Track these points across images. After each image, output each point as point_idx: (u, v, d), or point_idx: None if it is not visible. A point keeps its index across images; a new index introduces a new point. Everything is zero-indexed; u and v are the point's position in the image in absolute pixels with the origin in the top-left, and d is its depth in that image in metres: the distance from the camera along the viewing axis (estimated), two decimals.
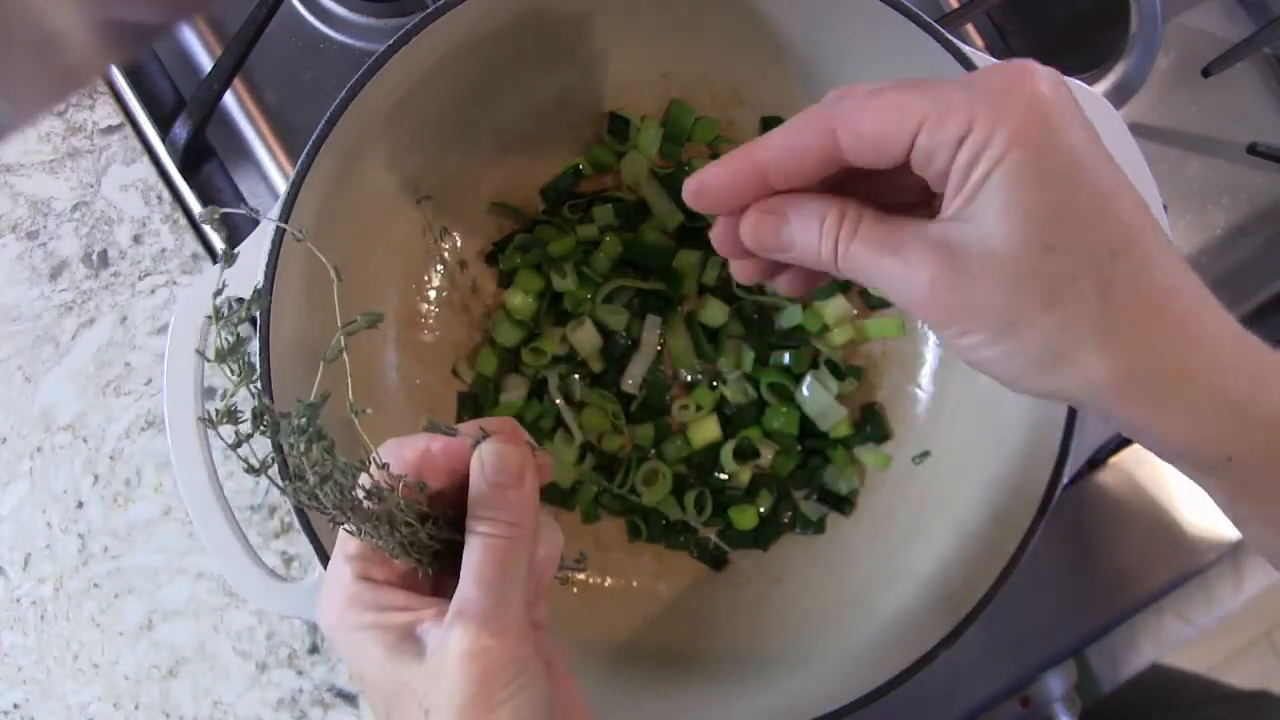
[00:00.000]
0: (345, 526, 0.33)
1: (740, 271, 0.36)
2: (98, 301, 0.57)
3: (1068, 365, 0.30)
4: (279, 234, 0.44)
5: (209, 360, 0.31)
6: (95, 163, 0.58)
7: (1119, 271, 0.29)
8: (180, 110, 0.56)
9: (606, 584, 0.55)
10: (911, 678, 0.44)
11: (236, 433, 0.31)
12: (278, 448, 0.35)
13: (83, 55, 0.22)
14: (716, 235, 0.35)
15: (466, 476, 0.35)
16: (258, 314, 0.44)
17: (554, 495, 0.55)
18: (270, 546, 0.56)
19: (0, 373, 0.56)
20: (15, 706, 0.54)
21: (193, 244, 0.57)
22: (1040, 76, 0.29)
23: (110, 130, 0.58)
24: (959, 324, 0.30)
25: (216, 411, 0.31)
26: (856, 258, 0.32)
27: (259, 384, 0.31)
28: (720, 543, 0.55)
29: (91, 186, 0.57)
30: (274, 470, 0.33)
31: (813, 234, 0.32)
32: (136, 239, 0.57)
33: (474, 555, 0.33)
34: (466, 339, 0.56)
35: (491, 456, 0.34)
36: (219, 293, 0.32)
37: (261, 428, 0.32)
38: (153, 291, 0.57)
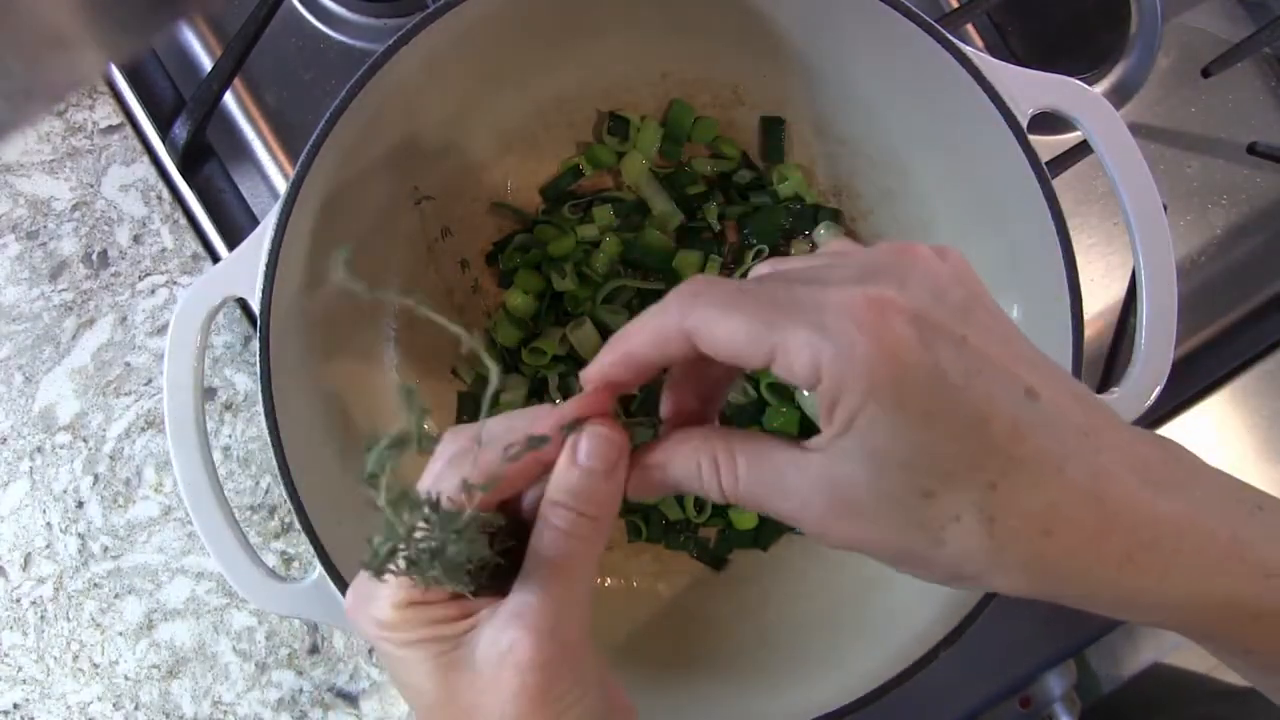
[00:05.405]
0: (434, 577, 0.30)
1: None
2: (98, 301, 0.57)
3: (973, 582, 0.30)
4: (277, 239, 0.44)
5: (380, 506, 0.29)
6: (95, 163, 0.58)
7: (999, 503, 0.28)
8: (180, 110, 0.56)
9: (606, 584, 0.55)
10: (911, 678, 0.44)
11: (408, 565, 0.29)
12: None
13: (83, 55, 0.22)
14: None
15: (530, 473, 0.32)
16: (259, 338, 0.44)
17: None
18: (270, 546, 0.56)
19: (0, 373, 0.56)
20: (15, 706, 0.54)
21: (193, 244, 0.57)
22: (889, 303, 0.27)
23: (110, 130, 0.58)
24: (856, 550, 0.30)
25: (388, 556, 0.28)
26: (745, 500, 0.31)
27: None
28: (720, 544, 0.55)
29: (91, 186, 0.57)
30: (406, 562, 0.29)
31: (694, 479, 0.31)
32: (136, 239, 0.57)
33: (544, 551, 0.30)
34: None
35: (594, 440, 0.31)
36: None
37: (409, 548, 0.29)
38: (153, 291, 0.57)
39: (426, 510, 0.29)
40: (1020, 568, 0.29)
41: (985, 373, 0.28)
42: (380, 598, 0.32)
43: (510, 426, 0.32)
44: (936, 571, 0.30)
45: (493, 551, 0.31)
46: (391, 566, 0.29)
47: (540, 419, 0.32)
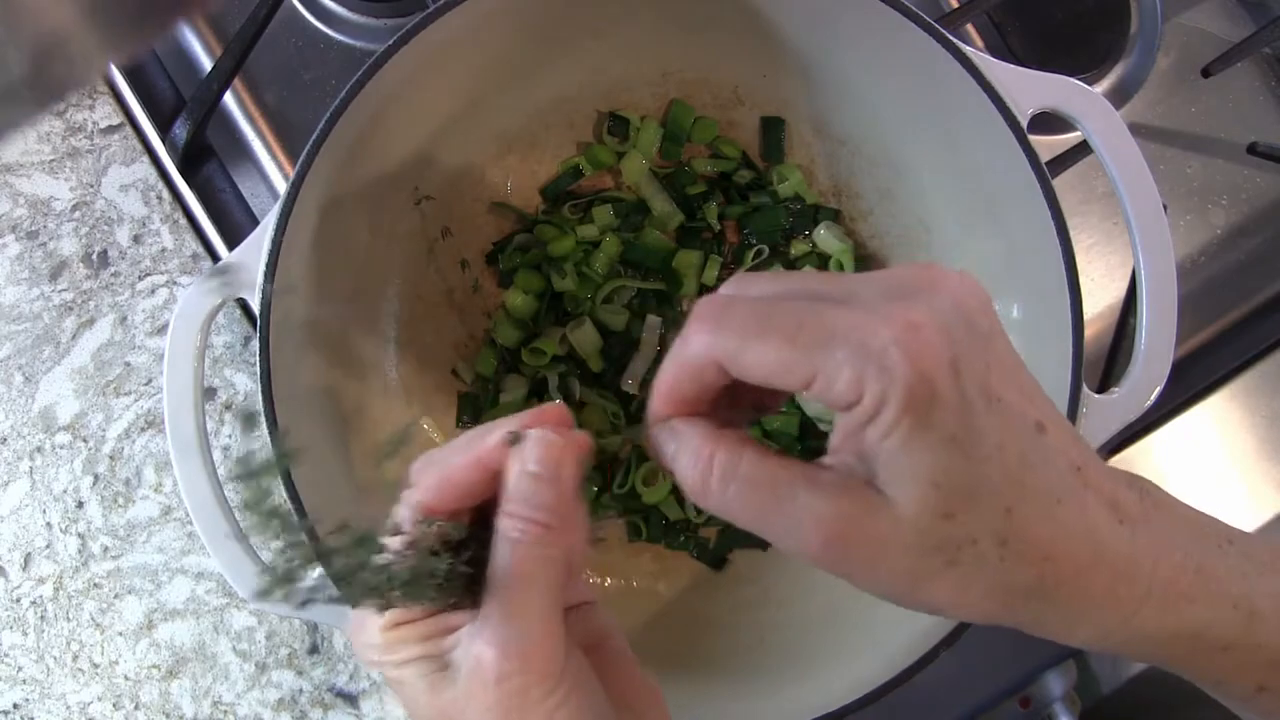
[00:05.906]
0: (393, 601, 0.30)
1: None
2: (98, 301, 0.57)
3: (964, 608, 0.30)
4: (277, 240, 0.44)
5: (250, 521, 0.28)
6: (95, 163, 0.58)
7: (1013, 526, 0.29)
8: (180, 110, 0.56)
9: (606, 584, 0.55)
10: (911, 678, 0.44)
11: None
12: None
13: (83, 55, 0.22)
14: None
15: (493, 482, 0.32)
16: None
17: None
18: (270, 546, 0.55)
19: (0, 373, 0.56)
20: (15, 706, 0.54)
21: (193, 244, 0.57)
22: (924, 325, 0.28)
23: (110, 130, 0.58)
24: (853, 579, 0.30)
25: (272, 580, 0.28)
26: (734, 508, 0.30)
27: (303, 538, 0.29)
28: (720, 542, 0.55)
29: (91, 186, 0.57)
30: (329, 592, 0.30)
31: (683, 469, 0.31)
32: (136, 239, 0.57)
33: (501, 562, 0.31)
34: (466, 339, 0.56)
35: (535, 444, 0.31)
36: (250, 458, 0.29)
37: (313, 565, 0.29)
38: (153, 291, 0.57)
39: (350, 536, 0.29)
40: (1018, 592, 0.30)
41: (1003, 402, 0.29)
42: (370, 624, 0.32)
43: (463, 442, 0.33)
44: (927, 600, 0.30)
45: (456, 562, 0.31)
46: (332, 595, 0.29)
47: (492, 432, 0.32)
